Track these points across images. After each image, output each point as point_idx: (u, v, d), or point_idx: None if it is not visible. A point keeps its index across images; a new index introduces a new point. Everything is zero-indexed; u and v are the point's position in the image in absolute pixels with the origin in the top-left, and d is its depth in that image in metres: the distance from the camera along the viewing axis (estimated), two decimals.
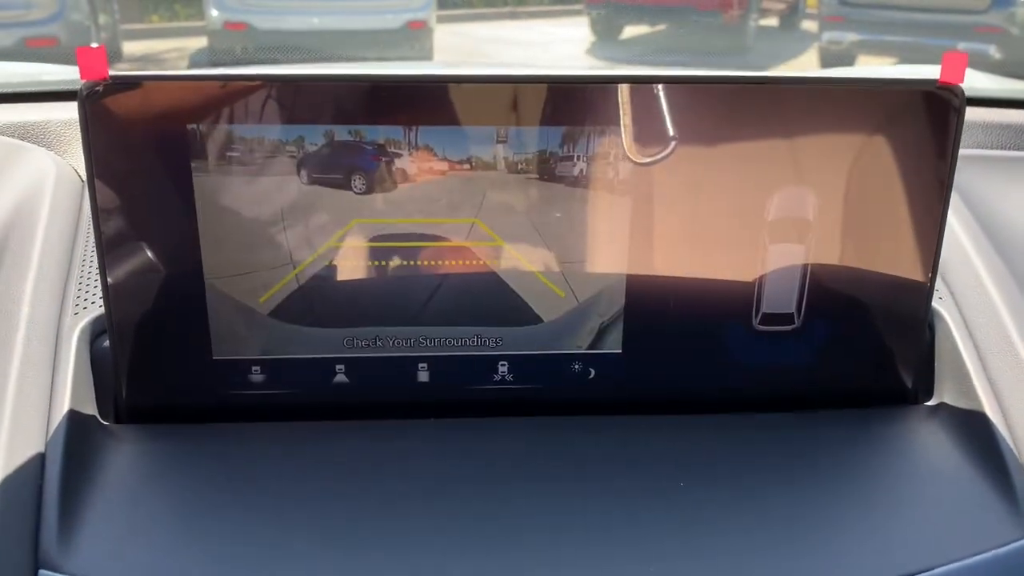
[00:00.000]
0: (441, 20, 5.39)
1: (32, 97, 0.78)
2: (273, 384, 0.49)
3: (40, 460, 0.42)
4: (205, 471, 0.45)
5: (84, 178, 0.64)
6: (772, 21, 6.83)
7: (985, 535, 0.41)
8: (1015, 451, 0.45)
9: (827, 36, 5.32)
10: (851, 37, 5.06)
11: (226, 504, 0.43)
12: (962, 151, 0.64)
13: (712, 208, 0.47)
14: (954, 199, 0.59)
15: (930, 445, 0.47)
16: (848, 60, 4.88)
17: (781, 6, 6.80)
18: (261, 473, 0.45)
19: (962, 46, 4.85)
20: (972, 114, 0.79)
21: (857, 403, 0.50)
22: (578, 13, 6.65)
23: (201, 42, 4.91)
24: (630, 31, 6.41)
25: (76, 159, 0.68)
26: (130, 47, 4.94)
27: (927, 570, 0.39)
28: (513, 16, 7.20)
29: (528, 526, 0.41)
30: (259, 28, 4.59)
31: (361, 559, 0.39)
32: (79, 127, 0.43)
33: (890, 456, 0.47)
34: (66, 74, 0.86)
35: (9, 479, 0.41)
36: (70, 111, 0.74)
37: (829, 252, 0.48)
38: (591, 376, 0.50)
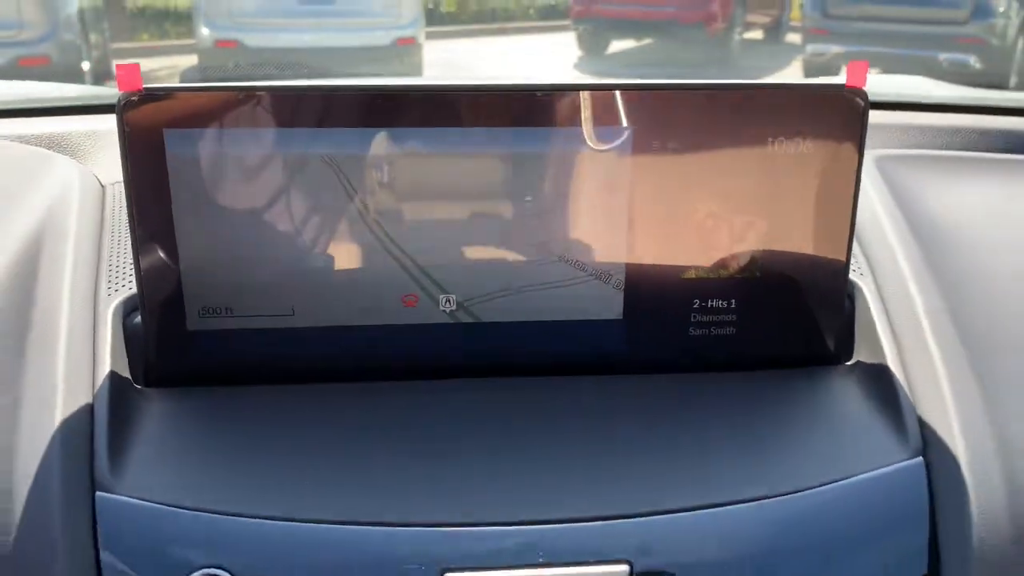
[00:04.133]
0: (430, 37, 5.47)
1: (54, 112, 0.86)
2: (289, 354, 0.55)
3: (89, 410, 0.49)
4: (226, 420, 0.52)
5: (103, 183, 0.71)
6: (757, 34, 6.94)
7: (878, 457, 0.50)
8: (910, 397, 0.53)
9: (811, 48, 5.42)
10: (834, 49, 5.14)
11: (245, 443, 0.50)
12: (893, 151, 0.72)
13: (669, 200, 0.54)
14: (882, 191, 0.66)
15: (844, 395, 0.55)
16: (833, 71, 4.96)
17: (766, 19, 6.91)
18: (278, 419, 0.51)
19: (943, 57, 4.96)
20: (905, 117, 0.87)
21: (790, 364, 0.57)
22: (565, 28, 6.75)
23: (192, 60, 4.96)
24: (616, 45, 6.51)
25: (96, 166, 0.75)
26: None
27: (830, 483, 0.48)
28: (502, 32, 7.29)
29: (518, 453, 0.50)
30: (249, 46, 4.65)
31: (369, 485, 0.47)
32: (116, 134, 0.50)
33: (812, 403, 0.55)
34: (84, 91, 0.93)
35: (65, 425, 0.47)
36: (88, 123, 0.82)
37: (761, 238, 0.55)
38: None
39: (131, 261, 0.57)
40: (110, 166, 0.72)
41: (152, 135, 0.49)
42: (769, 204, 0.54)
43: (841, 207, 0.54)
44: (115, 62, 4.70)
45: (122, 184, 0.65)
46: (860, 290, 0.59)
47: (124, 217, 0.62)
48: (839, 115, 0.52)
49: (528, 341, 0.56)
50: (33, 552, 0.44)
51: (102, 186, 0.68)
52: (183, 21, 5.60)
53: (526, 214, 0.54)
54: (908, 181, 0.69)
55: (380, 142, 0.52)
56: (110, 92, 0.93)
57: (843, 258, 0.54)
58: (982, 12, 5.13)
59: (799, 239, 0.54)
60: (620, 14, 6.32)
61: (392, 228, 0.54)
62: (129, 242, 0.59)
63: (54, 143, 0.76)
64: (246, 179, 0.52)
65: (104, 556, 0.44)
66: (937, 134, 0.89)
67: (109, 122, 0.82)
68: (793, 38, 6.54)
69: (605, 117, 0.52)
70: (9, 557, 0.44)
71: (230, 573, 0.43)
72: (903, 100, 0.99)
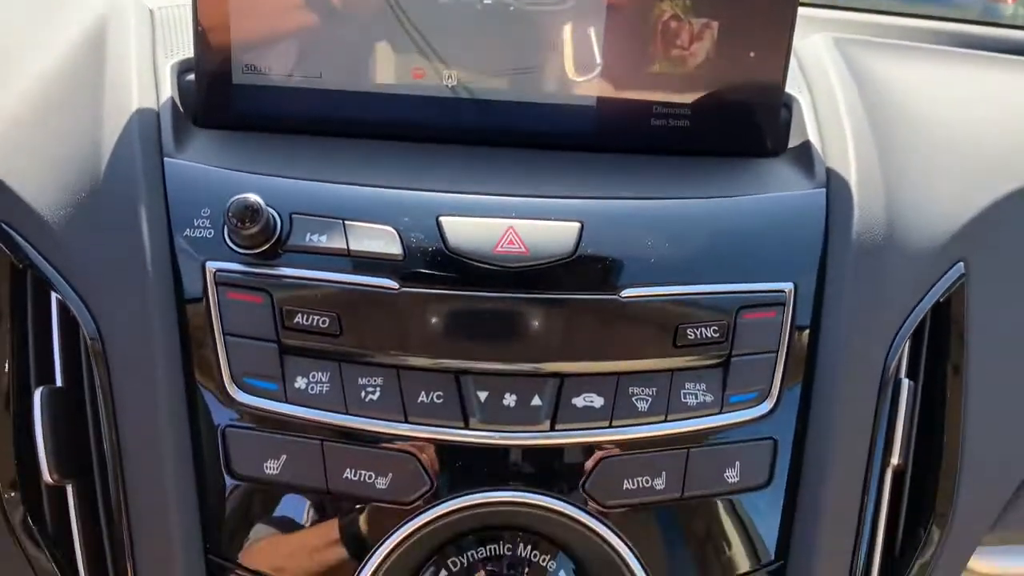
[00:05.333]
0: None
1: None
2: (314, 108, 0.64)
3: (155, 115, 0.60)
4: (266, 139, 0.63)
5: (149, 6, 0.81)
6: None
7: (791, 187, 0.64)
8: (824, 161, 0.65)
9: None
10: None
11: (282, 145, 0.62)
12: (849, 35, 0.83)
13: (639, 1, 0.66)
14: (829, 46, 0.77)
15: (773, 168, 0.67)
16: None
17: None
18: (308, 143, 0.63)
19: None
20: (865, 17, 1.00)
21: (739, 154, 0.69)
22: None
23: None
24: None
25: None
26: None
27: (751, 195, 0.62)
28: None
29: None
30: None
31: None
32: None
33: (745, 171, 0.66)
34: None
35: (136, 116, 0.59)
36: None
37: (714, 44, 0.65)
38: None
39: (180, 57, 0.68)
40: None
41: None
42: (722, 13, 0.65)
43: (781, 26, 0.65)
44: None
45: (166, 9, 0.77)
46: (797, 101, 0.70)
47: (171, 35, 0.72)
48: None
49: (516, 117, 0.67)
50: (118, 192, 0.56)
51: (149, 9, 0.79)
52: None
53: (522, 7, 0.65)
54: (855, 49, 0.80)
55: None
56: None
57: (781, 67, 0.66)
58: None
59: (745, 49, 0.66)
60: None
61: (409, 8, 0.65)
62: (174, 51, 0.69)
63: None
64: None
65: (172, 201, 0.57)
66: (893, 31, 1.00)
67: None
68: None
69: None
70: (98, 192, 0.56)
71: (275, 210, 0.55)
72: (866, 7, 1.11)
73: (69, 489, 0.56)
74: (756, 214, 0.61)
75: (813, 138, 0.67)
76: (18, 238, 0.56)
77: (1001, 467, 0.63)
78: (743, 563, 0.58)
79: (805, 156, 0.66)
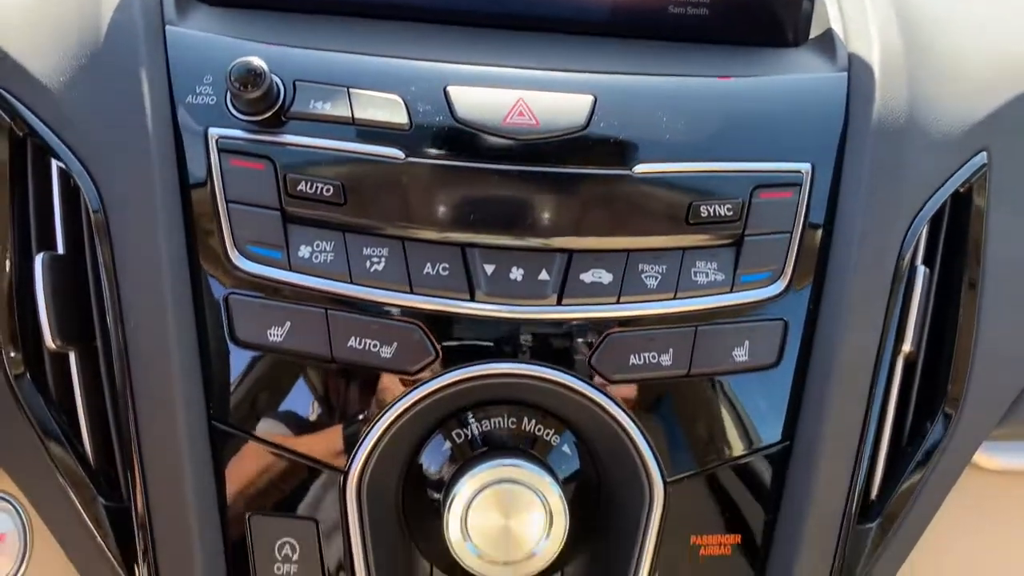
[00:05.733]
0: None
1: None
2: None
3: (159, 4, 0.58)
4: (271, 16, 0.60)
5: None
6: None
7: (812, 71, 0.62)
8: (846, 46, 0.63)
9: None
10: None
11: (288, 18, 0.60)
12: None
13: None
14: None
15: (797, 56, 0.65)
16: None
17: None
18: (317, 19, 0.61)
19: None
20: None
21: (759, 44, 0.66)
22: None
23: None
24: None
25: None
26: None
27: (772, 76, 0.61)
28: None
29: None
30: None
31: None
32: None
33: (764, 59, 0.64)
34: None
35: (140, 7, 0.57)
36: None
37: None
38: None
39: None
40: None
41: None
42: None
43: None
44: None
45: None
46: None
47: None
48: None
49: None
50: (119, 59, 0.55)
51: None
52: None
53: None
54: None
55: None
56: None
57: None
58: None
59: None
60: None
61: None
62: None
63: None
64: None
65: (173, 68, 0.55)
66: None
67: None
68: None
69: None
70: (99, 58, 0.55)
71: (279, 77, 0.54)
72: None
73: (72, 357, 0.56)
74: (775, 94, 0.59)
75: (836, 28, 0.65)
76: (18, 104, 0.55)
77: (1014, 359, 0.62)
78: (749, 441, 0.58)
79: (827, 44, 0.65)
